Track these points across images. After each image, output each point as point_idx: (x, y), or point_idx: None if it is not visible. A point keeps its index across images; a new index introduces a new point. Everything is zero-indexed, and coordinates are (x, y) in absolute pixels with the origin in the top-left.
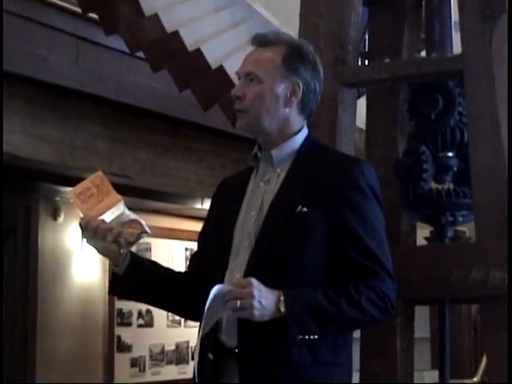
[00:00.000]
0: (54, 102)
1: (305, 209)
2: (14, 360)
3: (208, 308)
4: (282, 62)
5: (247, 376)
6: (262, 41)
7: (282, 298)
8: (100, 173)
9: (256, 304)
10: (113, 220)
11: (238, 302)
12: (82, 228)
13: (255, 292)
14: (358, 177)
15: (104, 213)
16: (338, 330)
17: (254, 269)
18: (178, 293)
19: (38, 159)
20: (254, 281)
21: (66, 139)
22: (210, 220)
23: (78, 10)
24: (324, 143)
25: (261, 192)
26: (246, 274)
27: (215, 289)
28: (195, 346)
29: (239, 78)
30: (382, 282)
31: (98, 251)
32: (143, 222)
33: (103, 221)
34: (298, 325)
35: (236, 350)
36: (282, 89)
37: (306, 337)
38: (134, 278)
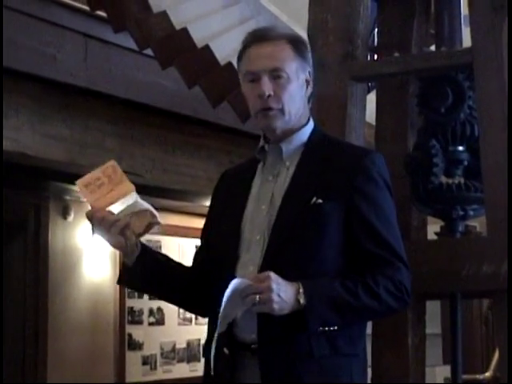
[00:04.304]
0: (64, 101)
1: (320, 200)
2: (24, 358)
3: (226, 303)
4: (296, 54)
5: (268, 370)
6: (265, 35)
7: (300, 290)
8: (113, 162)
9: (275, 297)
10: (123, 210)
11: (257, 297)
12: (88, 219)
13: (274, 286)
14: (371, 167)
15: (114, 203)
16: (356, 321)
17: (270, 261)
18: (187, 287)
19: (47, 158)
20: (272, 274)
21: (75, 137)
22: (213, 215)
23: (87, 8)
24: (330, 134)
25: (270, 185)
26: (263, 267)
27: (233, 284)
28: (206, 342)
29: (253, 79)
30: (398, 271)
31: (107, 241)
32: (155, 213)
33: (110, 212)
34: (317, 316)
35: (252, 346)
36: (302, 80)
37: (326, 328)
38: (144, 270)
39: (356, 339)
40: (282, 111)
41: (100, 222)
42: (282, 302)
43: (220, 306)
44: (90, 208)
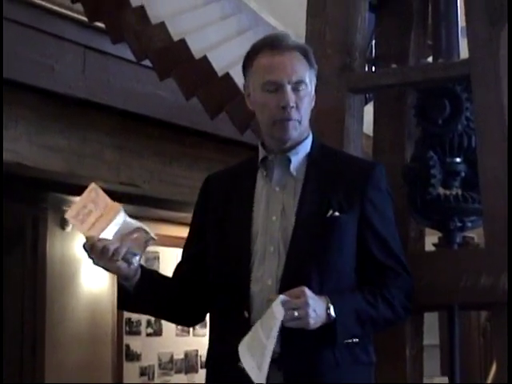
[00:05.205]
0: (62, 111)
1: (336, 213)
2: (22, 370)
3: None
4: (309, 66)
5: (292, 380)
6: (279, 45)
7: (329, 304)
8: (93, 185)
9: (312, 313)
10: (117, 232)
11: (296, 313)
12: (86, 251)
13: (310, 301)
14: (381, 179)
15: (106, 228)
16: (373, 331)
17: (291, 275)
18: (178, 302)
19: (45, 168)
20: (306, 290)
21: (73, 148)
22: (207, 224)
23: (85, 19)
24: (327, 144)
25: (279, 196)
26: (283, 281)
27: (279, 300)
28: (213, 353)
29: (274, 88)
30: (406, 281)
31: (107, 270)
32: (147, 229)
33: (107, 240)
34: (345, 329)
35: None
36: (313, 92)
37: (350, 340)
38: (145, 293)
39: (370, 348)
40: (299, 122)
41: (101, 253)
42: (316, 317)
43: (238, 318)
44: (84, 239)
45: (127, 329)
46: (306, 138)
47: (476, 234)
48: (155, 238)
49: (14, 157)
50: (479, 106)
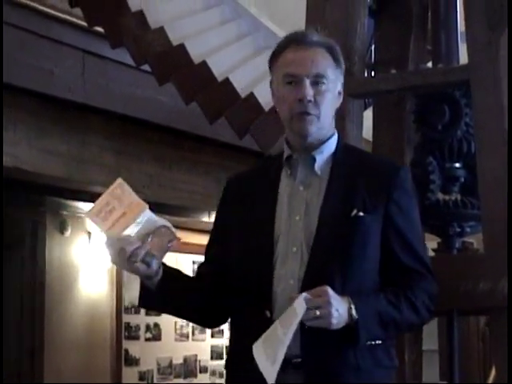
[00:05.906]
0: (61, 116)
1: (361, 213)
2: (21, 375)
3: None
4: (335, 64)
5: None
6: (306, 40)
7: (351, 304)
8: (120, 181)
9: (334, 312)
10: (139, 230)
11: (318, 312)
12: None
13: (333, 300)
14: (406, 180)
15: (128, 226)
16: (396, 334)
17: (313, 275)
18: (200, 303)
19: (44, 173)
20: (329, 289)
21: (72, 152)
22: (229, 225)
23: (84, 24)
24: (352, 145)
25: (302, 195)
26: (305, 281)
27: (302, 297)
28: (233, 355)
29: (292, 81)
30: (431, 284)
31: (126, 270)
32: (172, 228)
33: (126, 239)
34: (368, 330)
35: (294, 360)
36: (338, 90)
37: (372, 342)
38: (166, 293)
39: (392, 352)
40: (318, 118)
41: (119, 253)
42: (339, 317)
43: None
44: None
45: (126, 333)
46: (331, 137)
47: (475, 240)
48: (177, 236)
49: (13, 161)
50: (478, 109)
